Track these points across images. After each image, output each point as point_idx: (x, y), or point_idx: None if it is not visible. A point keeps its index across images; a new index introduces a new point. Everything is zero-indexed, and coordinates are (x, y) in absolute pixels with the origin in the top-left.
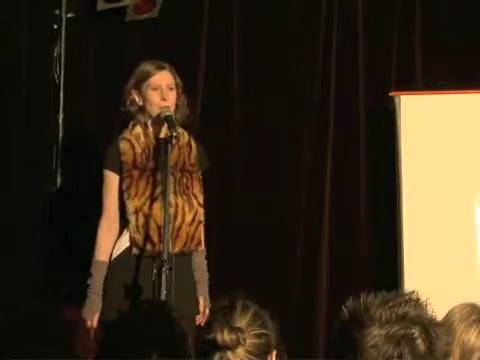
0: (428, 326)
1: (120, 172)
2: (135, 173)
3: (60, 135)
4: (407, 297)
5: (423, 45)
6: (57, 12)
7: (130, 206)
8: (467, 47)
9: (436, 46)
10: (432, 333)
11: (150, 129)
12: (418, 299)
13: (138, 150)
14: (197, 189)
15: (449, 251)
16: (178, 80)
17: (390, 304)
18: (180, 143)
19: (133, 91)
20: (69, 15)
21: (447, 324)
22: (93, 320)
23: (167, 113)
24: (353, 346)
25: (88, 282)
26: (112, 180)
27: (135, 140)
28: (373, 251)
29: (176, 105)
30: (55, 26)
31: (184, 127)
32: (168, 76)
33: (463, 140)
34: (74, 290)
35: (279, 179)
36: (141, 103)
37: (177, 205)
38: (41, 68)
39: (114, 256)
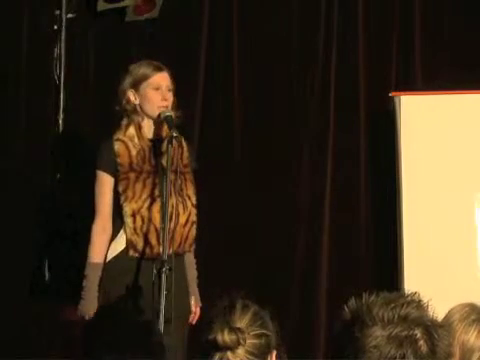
0: (430, 327)
1: (115, 174)
2: (132, 175)
3: (60, 135)
4: (409, 298)
5: (423, 45)
6: (57, 12)
7: (127, 209)
8: (467, 47)
9: (436, 46)
10: (434, 334)
11: (144, 130)
12: (420, 300)
13: (133, 152)
14: (190, 190)
15: (449, 251)
16: (172, 81)
17: (392, 305)
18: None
19: (129, 90)
20: (69, 15)
21: (447, 324)
22: None
23: (167, 113)
24: (355, 346)
25: (83, 284)
26: (106, 181)
27: (129, 141)
28: (373, 251)
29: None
30: (55, 26)
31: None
32: (167, 77)
33: (463, 140)
34: (72, 291)
35: (279, 179)
36: (137, 102)
37: (172, 206)
38: (41, 68)
39: (109, 258)
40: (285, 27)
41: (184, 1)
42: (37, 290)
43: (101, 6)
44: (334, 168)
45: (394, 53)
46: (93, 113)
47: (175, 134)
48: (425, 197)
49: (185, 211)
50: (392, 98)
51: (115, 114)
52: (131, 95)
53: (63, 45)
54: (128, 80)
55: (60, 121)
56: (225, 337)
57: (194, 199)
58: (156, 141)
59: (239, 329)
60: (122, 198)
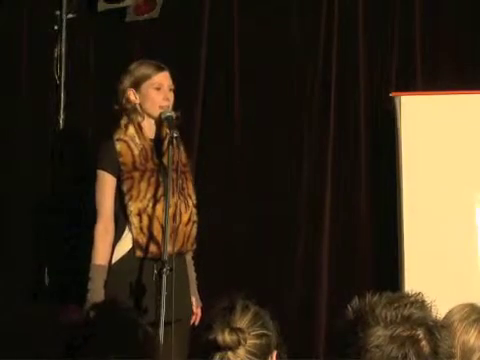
0: (433, 328)
1: (117, 174)
2: (136, 174)
3: (61, 135)
4: (412, 299)
5: (423, 45)
6: (58, 13)
7: (132, 208)
8: (467, 47)
9: (436, 46)
10: (437, 335)
11: (145, 129)
12: (423, 301)
13: (136, 151)
14: (191, 189)
15: (449, 251)
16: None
17: (395, 305)
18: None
19: (130, 89)
20: (70, 16)
21: (447, 324)
22: None
23: (168, 114)
24: (357, 345)
25: (88, 286)
26: (109, 181)
27: (131, 141)
28: (374, 251)
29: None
30: (56, 27)
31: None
32: (168, 77)
33: (463, 140)
34: (72, 292)
35: (280, 179)
36: (138, 102)
37: (175, 205)
38: (42, 68)
39: (115, 259)
40: (285, 27)
41: (184, 1)
42: (37, 291)
43: (101, 6)
44: (334, 168)
45: (394, 53)
46: (94, 113)
47: (176, 134)
48: (425, 197)
49: (187, 210)
50: (392, 98)
51: (115, 114)
52: (131, 94)
53: (63, 45)
54: (128, 79)
55: (60, 121)
56: (226, 337)
57: (194, 198)
58: (157, 140)
59: (240, 329)
60: (127, 197)
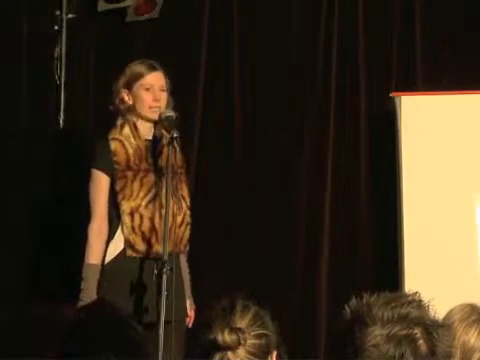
0: (430, 327)
1: (112, 173)
2: (129, 174)
3: (61, 135)
4: (410, 298)
5: (423, 46)
6: (58, 13)
7: (125, 207)
8: (467, 47)
9: (436, 47)
10: (434, 334)
11: (140, 129)
12: (421, 300)
13: (130, 151)
14: (185, 191)
15: (449, 251)
16: (167, 81)
17: (393, 304)
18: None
19: (123, 90)
20: (70, 16)
21: (447, 324)
22: None
23: (168, 114)
24: (355, 345)
25: (81, 286)
26: (103, 181)
27: (126, 140)
28: (374, 251)
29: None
30: (56, 27)
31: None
32: (160, 77)
33: (463, 141)
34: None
35: (280, 179)
36: (131, 102)
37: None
38: (42, 69)
39: (108, 259)
40: (286, 27)
41: (184, 1)
42: (36, 290)
43: (101, 6)
44: (334, 168)
45: (394, 53)
46: (94, 113)
47: (175, 134)
48: (426, 197)
49: (180, 212)
50: (392, 98)
51: (114, 114)
52: (125, 95)
53: (64, 45)
54: (122, 80)
55: (61, 121)
56: (225, 337)
57: (188, 200)
58: (153, 141)
59: (239, 329)
60: (119, 197)
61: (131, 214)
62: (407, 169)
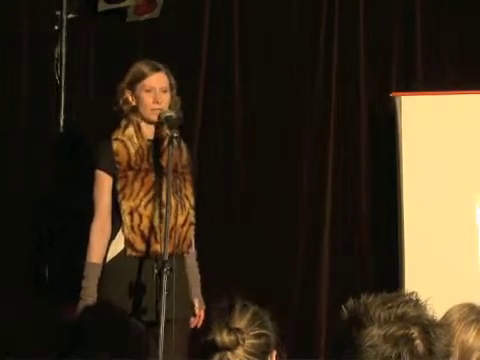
0: (428, 327)
1: (113, 173)
2: (130, 174)
3: (61, 135)
4: (407, 298)
5: (424, 45)
6: (58, 13)
7: (125, 207)
8: (468, 47)
9: (437, 47)
10: (431, 334)
11: (143, 130)
12: (418, 300)
13: (132, 151)
14: (189, 191)
15: (450, 251)
16: (173, 81)
17: (389, 304)
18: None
19: (126, 90)
20: (70, 16)
21: (446, 324)
22: None
23: (168, 114)
24: (352, 346)
25: (82, 284)
26: (105, 181)
27: (128, 140)
28: (374, 251)
29: (169, 106)
30: (56, 27)
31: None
32: (162, 78)
33: (464, 140)
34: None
35: (280, 179)
36: (134, 103)
37: (171, 206)
38: (42, 69)
39: (109, 258)
40: (286, 27)
41: (185, 1)
42: (37, 290)
43: (102, 6)
44: (335, 168)
45: (395, 53)
46: (94, 113)
47: (175, 134)
48: (426, 197)
49: (183, 212)
50: (393, 98)
51: (116, 114)
52: (129, 96)
53: (64, 45)
54: (125, 81)
55: (61, 121)
56: (224, 338)
57: (192, 200)
58: (155, 141)
59: (238, 329)
60: (120, 196)
61: (131, 214)
62: (407, 169)
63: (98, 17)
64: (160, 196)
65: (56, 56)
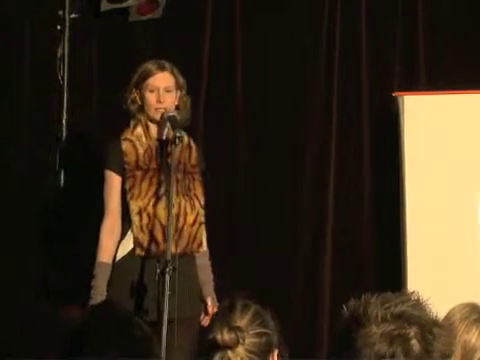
0: (425, 326)
1: (122, 173)
2: (138, 174)
3: (64, 135)
4: (404, 297)
5: (426, 45)
6: (60, 13)
7: (134, 206)
8: (471, 47)
9: (439, 46)
10: (429, 334)
11: (151, 129)
12: (417, 299)
13: (140, 150)
14: (199, 190)
15: (452, 251)
16: (181, 81)
17: (387, 304)
18: (180, 145)
19: (134, 90)
20: (72, 16)
21: (447, 324)
22: None
23: (171, 113)
24: (351, 346)
25: (92, 283)
26: (114, 180)
27: (137, 140)
28: (376, 251)
29: (177, 106)
30: (58, 27)
31: (184, 128)
32: (167, 78)
33: (466, 140)
34: (76, 290)
35: (282, 179)
36: (141, 103)
37: (179, 206)
38: (45, 69)
39: (119, 257)
40: (288, 27)
41: (187, 1)
42: (42, 291)
43: (104, 6)
44: (337, 168)
45: (397, 53)
46: (97, 113)
47: (178, 134)
48: (428, 197)
49: (193, 211)
50: (395, 98)
51: (119, 114)
52: (136, 95)
53: (66, 45)
54: (133, 79)
55: (64, 121)
56: (224, 336)
57: (202, 199)
58: (163, 141)
59: (238, 328)
60: (128, 196)
61: (139, 213)
62: (410, 169)
63: (100, 17)
64: (169, 196)
65: (58, 56)
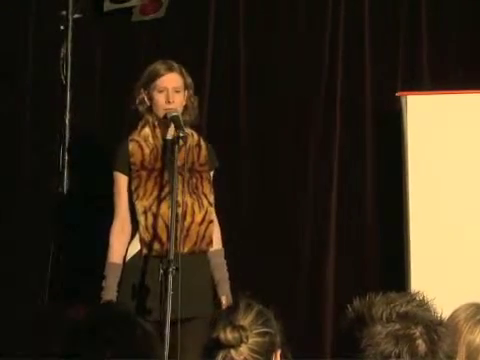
0: (431, 326)
1: (129, 173)
2: (143, 174)
3: (67, 135)
4: (409, 297)
5: (430, 45)
6: (64, 13)
7: (139, 206)
8: (474, 46)
9: (443, 46)
10: (434, 334)
11: (158, 130)
12: (422, 299)
13: (146, 151)
14: (207, 189)
15: (456, 250)
16: (189, 81)
17: (392, 304)
18: (189, 144)
19: (142, 90)
20: (76, 16)
21: (452, 324)
22: None
23: (174, 114)
24: (356, 345)
25: (102, 284)
26: (122, 181)
27: (143, 141)
28: (380, 251)
29: (186, 106)
30: (62, 27)
31: (193, 127)
32: (176, 78)
33: (470, 140)
34: (82, 291)
35: (286, 179)
36: (149, 103)
37: (186, 205)
38: (48, 69)
39: (128, 257)
40: (292, 26)
41: (190, 1)
42: (47, 291)
43: (107, 6)
44: (340, 168)
45: (401, 52)
46: (100, 113)
47: (181, 134)
48: (432, 197)
49: (201, 210)
50: (399, 98)
51: (122, 114)
52: (144, 96)
53: (69, 45)
54: (142, 80)
55: (67, 121)
56: (228, 335)
57: (211, 198)
58: (169, 141)
59: (242, 327)
60: (134, 196)
61: (144, 213)
62: (413, 168)
63: (104, 17)
64: (172, 195)
65: (62, 56)
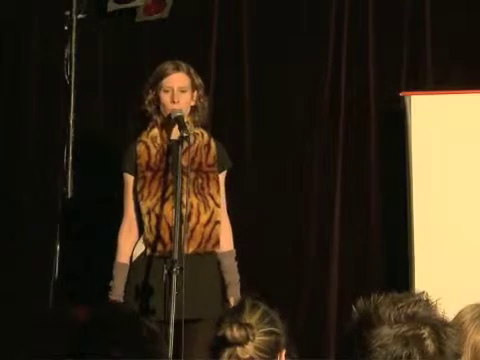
0: (438, 327)
1: (136, 174)
2: (148, 174)
3: (71, 135)
4: (417, 297)
5: (433, 45)
6: (68, 13)
7: (143, 207)
8: (478, 46)
9: (446, 46)
10: (442, 334)
11: (165, 130)
12: (428, 300)
13: (153, 152)
14: (214, 189)
15: (460, 251)
16: (198, 81)
17: (399, 304)
18: (197, 144)
19: (150, 91)
20: (80, 16)
21: (457, 325)
22: None
23: (178, 114)
24: (362, 346)
25: (110, 284)
26: (129, 182)
27: (151, 142)
28: (384, 251)
29: (195, 106)
30: (66, 27)
31: (203, 128)
32: (182, 78)
33: (473, 139)
34: (86, 291)
35: (290, 179)
36: (157, 104)
37: (191, 206)
38: (52, 69)
39: (133, 258)
40: (295, 27)
41: (194, 1)
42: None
43: (111, 7)
44: (344, 168)
45: (404, 52)
46: (104, 113)
47: (185, 134)
48: (436, 197)
49: (207, 210)
50: (402, 98)
51: (126, 114)
52: (152, 96)
53: (73, 46)
54: (149, 82)
55: (71, 121)
56: (234, 332)
57: (218, 199)
58: (174, 141)
59: (248, 325)
60: (139, 197)
61: (148, 214)
62: (417, 168)
63: (107, 17)
64: (177, 196)
65: (66, 56)
